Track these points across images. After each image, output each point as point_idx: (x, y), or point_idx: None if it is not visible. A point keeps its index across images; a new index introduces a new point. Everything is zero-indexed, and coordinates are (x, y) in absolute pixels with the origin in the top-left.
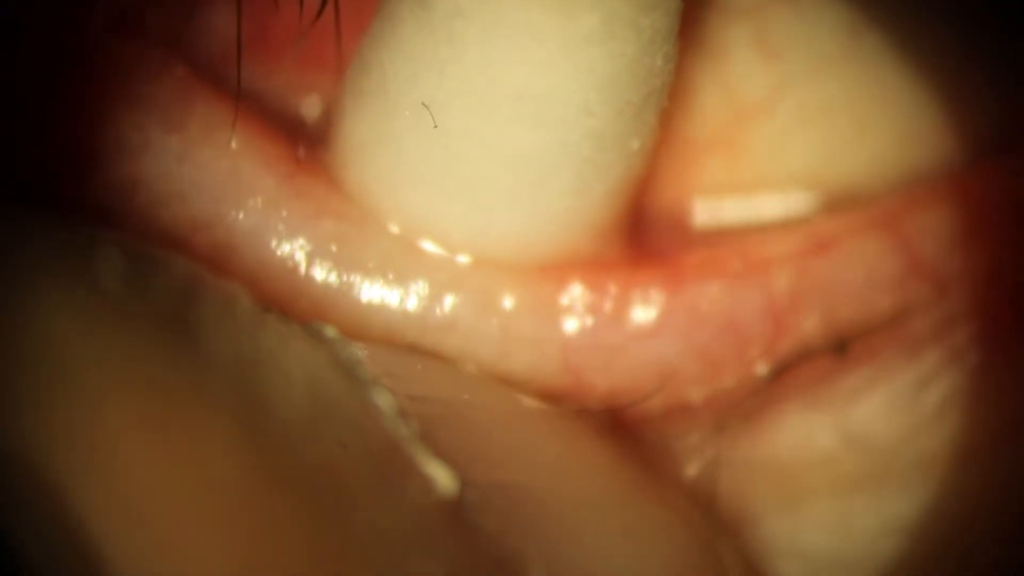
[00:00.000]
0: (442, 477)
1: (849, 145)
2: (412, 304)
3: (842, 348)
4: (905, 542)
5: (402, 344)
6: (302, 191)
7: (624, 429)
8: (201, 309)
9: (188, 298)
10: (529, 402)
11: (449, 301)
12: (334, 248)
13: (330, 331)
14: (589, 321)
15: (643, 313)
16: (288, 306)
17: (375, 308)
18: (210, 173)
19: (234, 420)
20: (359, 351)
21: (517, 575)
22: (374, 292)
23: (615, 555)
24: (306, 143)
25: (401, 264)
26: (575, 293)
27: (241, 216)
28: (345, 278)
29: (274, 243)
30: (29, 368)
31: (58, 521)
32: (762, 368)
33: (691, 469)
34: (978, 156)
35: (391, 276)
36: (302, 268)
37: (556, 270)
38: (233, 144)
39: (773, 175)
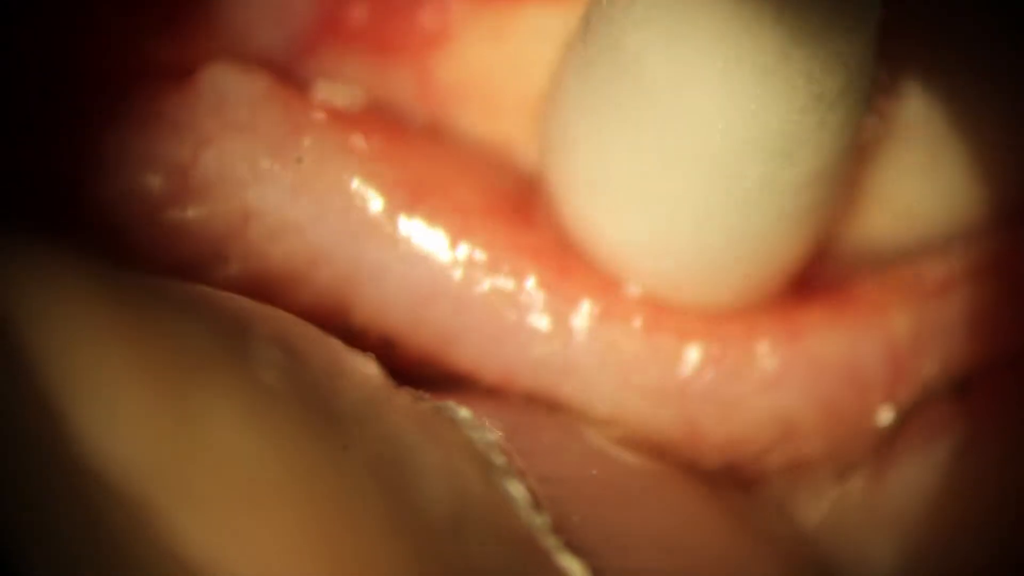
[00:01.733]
0: (577, 571)
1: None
2: (533, 347)
3: (964, 389)
4: None
5: (519, 389)
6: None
7: (740, 484)
8: (341, 395)
9: (328, 381)
10: (651, 466)
11: (569, 347)
12: (456, 284)
13: (463, 412)
14: (709, 372)
15: (764, 364)
16: (409, 340)
17: (494, 347)
18: (326, 206)
19: (386, 516)
20: (491, 434)
21: None
22: (494, 331)
23: None
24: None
25: (523, 304)
26: (695, 345)
27: (361, 248)
28: (466, 317)
29: (395, 276)
30: (207, 478)
31: None
32: (884, 415)
33: (809, 522)
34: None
35: (513, 316)
36: (422, 303)
37: (675, 321)
38: (354, 184)
39: None
